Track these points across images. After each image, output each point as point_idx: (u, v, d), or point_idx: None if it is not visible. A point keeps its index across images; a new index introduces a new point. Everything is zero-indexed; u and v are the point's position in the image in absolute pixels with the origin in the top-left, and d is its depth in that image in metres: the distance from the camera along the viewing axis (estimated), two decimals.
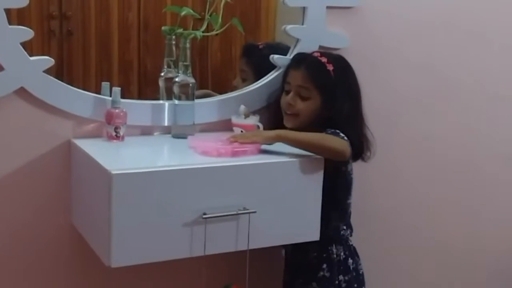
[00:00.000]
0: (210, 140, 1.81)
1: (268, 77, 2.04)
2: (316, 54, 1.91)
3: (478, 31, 2.37)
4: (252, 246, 1.71)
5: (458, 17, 2.33)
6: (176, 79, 1.88)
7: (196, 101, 1.91)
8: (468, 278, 2.56)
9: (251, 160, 1.74)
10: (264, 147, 1.80)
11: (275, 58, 2.03)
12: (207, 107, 1.97)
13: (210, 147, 1.75)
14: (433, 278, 2.50)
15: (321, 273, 1.91)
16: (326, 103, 1.86)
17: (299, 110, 1.87)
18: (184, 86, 1.87)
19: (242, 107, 1.93)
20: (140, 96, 2.03)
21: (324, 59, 1.88)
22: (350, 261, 1.94)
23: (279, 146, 1.88)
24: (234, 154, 1.75)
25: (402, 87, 2.01)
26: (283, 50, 2.06)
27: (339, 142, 1.78)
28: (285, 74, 1.94)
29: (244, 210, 1.68)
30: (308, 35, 2.05)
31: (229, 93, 2.02)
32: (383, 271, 2.34)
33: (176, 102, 1.88)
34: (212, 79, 2.18)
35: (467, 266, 2.55)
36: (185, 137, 1.87)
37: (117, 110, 1.80)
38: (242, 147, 1.76)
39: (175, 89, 1.87)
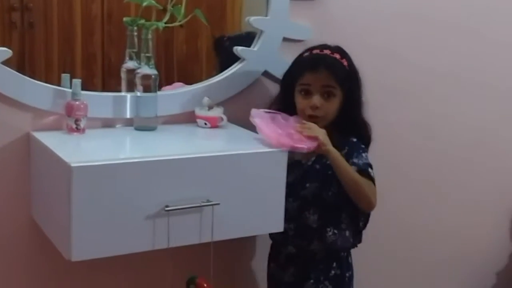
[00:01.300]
0: (276, 122, 1.81)
1: (231, 69, 2.03)
2: (327, 52, 1.89)
3: (441, 19, 2.39)
4: (216, 238, 1.70)
5: (421, 7, 2.34)
6: (138, 71, 1.85)
7: (159, 93, 1.89)
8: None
9: (214, 152, 1.73)
10: (228, 136, 1.79)
11: (239, 50, 2.02)
12: (170, 99, 1.95)
13: (274, 132, 1.76)
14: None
15: (333, 271, 1.91)
16: (346, 98, 1.87)
17: (326, 111, 1.86)
18: (146, 77, 1.84)
19: (206, 99, 1.92)
20: (104, 89, 2.00)
21: (337, 56, 1.88)
22: (350, 257, 1.97)
23: (244, 138, 1.88)
24: (293, 149, 1.75)
25: (365, 77, 2.00)
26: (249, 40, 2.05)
27: (374, 194, 1.82)
28: (297, 76, 1.90)
29: (208, 202, 1.67)
30: (272, 26, 2.04)
31: (192, 85, 2.01)
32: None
33: (138, 94, 1.86)
34: (177, 72, 2.16)
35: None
36: (148, 129, 1.86)
37: (77, 102, 1.77)
38: (300, 143, 1.75)
39: (137, 80, 1.85)
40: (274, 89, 2.09)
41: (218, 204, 1.68)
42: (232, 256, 2.07)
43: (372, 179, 1.83)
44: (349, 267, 1.96)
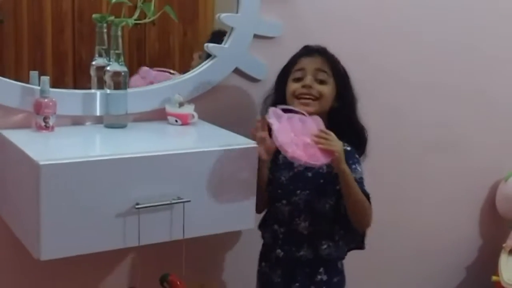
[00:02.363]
0: (293, 124, 1.73)
1: (202, 66, 2.03)
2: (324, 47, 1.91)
3: (407, 24, 2.41)
4: (187, 236, 1.70)
5: (389, 7, 2.37)
6: (108, 68, 1.84)
7: (129, 90, 1.88)
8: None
9: (185, 149, 1.72)
10: (199, 133, 1.79)
11: (209, 46, 2.02)
12: (140, 96, 1.94)
13: (289, 140, 1.69)
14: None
15: (319, 276, 1.88)
16: (339, 92, 1.86)
17: (320, 93, 1.83)
18: (116, 74, 1.83)
19: (177, 96, 1.92)
20: (76, 87, 1.98)
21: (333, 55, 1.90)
22: (339, 263, 1.94)
23: (214, 135, 1.88)
24: (306, 163, 1.69)
25: None
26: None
27: (371, 216, 1.80)
28: (293, 63, 1.89)
29: (179, 199, 1.67)
30: (242, 23, 2.04)
31: (163, 82, 2.00)
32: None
33: (108, 91, 1.84)
34: (150, 67, 2.15)
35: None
36: (118, 127, 1.85)
37: (46, 100, 1.75)
38: (316, 159, 1.68)
39: (107, 78, 1.84)
40: (244, 86, 2.10)
41: (189, 201, 1.68)
42: (204, 253, 2.07)
43: (368, 196, 1.81)
44: (338, 272, 1.92)
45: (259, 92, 2.10)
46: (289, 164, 1.84)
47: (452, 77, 2.57)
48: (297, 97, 1.84)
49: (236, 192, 1.78)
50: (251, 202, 1.81)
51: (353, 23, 2.30)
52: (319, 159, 1.69)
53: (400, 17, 2.40)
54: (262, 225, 1.94)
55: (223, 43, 2.05)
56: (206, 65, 2.03)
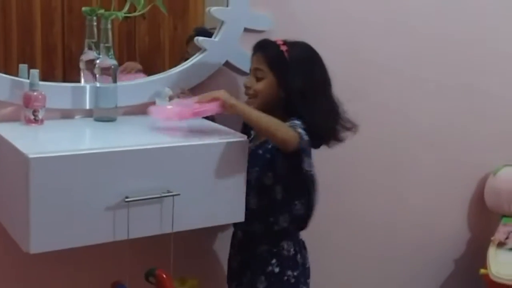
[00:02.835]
0: (173, 106, 1.82)
1: (192, 60, 2.03)
2: (274, 39, 1.92)
3: (399, 17, 2.42)
4: (176, 229, 1.70)
5: (381, 0, 2.37)
6: (98, 61, 1.84)
7: (119, 83, 1.88)
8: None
9: (174, 142, 1.73)
10: (189, 127, 1.78)
11: (199, 40, 2.02)
12: (130, 90, 1.94)
13: (171, 112, 1.76)
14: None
15: (270, 267, 1.90)
16: (280, 83, 1.88)
17: (256, 90, 1.90)
18: (105, 68, 1.83)
19: (166, 89, 1.92)
20: (66, 80, 1.98)
21: (279, 42, 1.90)
22: (299, 256, 1.94)
23: (205, 129, 1.88)
24: (195, 114, 1.76)
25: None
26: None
27: (286, 133, 1.76)
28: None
29: (168, 193, 1.67)
30: (232, 17, 2.04)
31: (153, 75, 2.00)
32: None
33: (98, 84, 1.84)
34: (140, 64, 2.14)
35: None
36: (107, 120, 1.85)
37: (35, 93, 1.75)
38: (201, 107, 1.76)
39: (97, 71, 1.83)
40: (235, 79, 2.10)
41: (178, 195, 1.68)
42: (192, 247, 2.07)
43: (295, 130, 1.79)
44: (295, 266, 1.93)
45: None
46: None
47: (442, 72, 2.58)
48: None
49: (226, 186, 1.78)
50: (241, 196, 1.81)
51: (344, 16, 2.31)
52: (206, 106, 1.76)
53: (391, 10, 2.40)
54: None
55: (213, 36, 2.04)
56: (196, 58, 2.03)
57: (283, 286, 1.91)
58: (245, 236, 1.96)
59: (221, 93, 1.78)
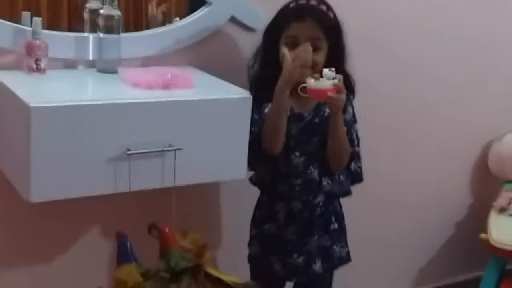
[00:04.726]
0: (142, 72, 1.77)
1: (197, 13, 1.99)
2: (314, 3, 1.84)
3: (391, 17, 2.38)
4: (178, 183, 1.70)
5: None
6: (101, 11, 1.81)
7: (122, 35, 1.85)
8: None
9: (178, 96, 1.71)
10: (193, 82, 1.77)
11: None
12: (134, 42, 1.91)
13: (141, 79, 1.71)
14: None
15: (332, 226, 1.95)
16: (331, 50, 1.84)
17: (315, 62, 1.81)
18: (109, 18, 1.80)
19: (329, 72, 1.75)
20: (71, 31, 1.95)
21: (324, 7, 1.85)
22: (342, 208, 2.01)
23: (208, 84, 1.86)
24: (165, 86, 1.72)
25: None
26: None
27: (348, 157, 1.87)
28: (282, 27, 1.84)
29: (170, 147, 1.67)
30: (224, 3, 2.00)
31: (157, 28, 1.97)
32: None
33: (101, 35, 1.82)
34: (146, 16, 2.11)
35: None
36: (111, 72, 1.82)
37: (37, 42, 1.73)
38: (173, 79, 1.73)
39: (100, 21, 1.81)
40: (240, 35, 2.07)
41: (180, 149, 1.68)
42: (194, 203, 2.07)
43: (352, 143, 1.88)
44: (343, 218, 2.00)
45: (255, 42, 2.06)
46: (298, 116, 1.86)
47: (455, 36, 2.54)
48: None
49: (228, 142, 1.77)
50: (243, 153, 1.80)
51: None
52: (179, 80, 1.75)
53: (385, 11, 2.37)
54: (269, 183, 1.92)
55: None
56: (201, 12, 1.99)
57: (342, 238, 1.99)
58: (304, 206, 1.90)
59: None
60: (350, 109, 1.90)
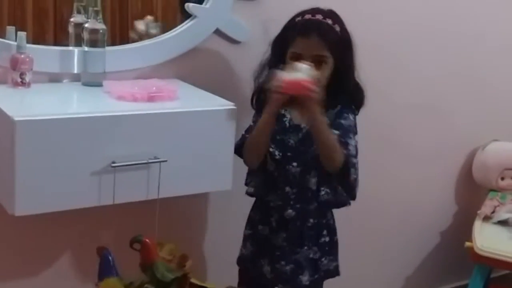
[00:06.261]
0: (127, 85, 1.78)
1: (182, 26, 2.00)
2: (319, 17, 1.82)
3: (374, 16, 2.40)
4: (162, 195, 1.71)
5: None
6: (86, 25, 1.82)
7: (107, 48, 1.86)
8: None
9: (163, 109, 1.72)
10: (178, 94, 1.79)
11: (190, 6, 2.00)
12: (119, 55, 1.92)
13: (126, 92, 1.73)
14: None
15: (323, 238, 1.94)
16: (337, 64, 1.82)
17: (318, 79, 1.77)
18: (93, 32, 1.81)
19: (304, 66, 1.74)
20: (57, 44, 1.95)
21: (330, 21, 1.82)
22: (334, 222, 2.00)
23: (193, 96, 1.88)
24: (150, 99, 1.73)
25: None
26: None
27: (340, 158, 1.80)
28: (288, 42, 1.82)
29: (155, 159, 1.68)
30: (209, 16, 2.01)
31: (143, 41, 1.98)
32: None
33: (86, 48, 1.83)
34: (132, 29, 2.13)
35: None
36: (95, 85, 1.83)
37: (22, 56, 1.74)
38: (158, 92, 1.74)
39: (85, 35, 1.82)
40: (225, 47, 2.08)
41: (165, 161, 1.69)
42: (178, 215, 2.08)
43: (346, 147, 1.83)
44: (335, 231, 2.00)
45: (240, 54, 2.09)
46: (296, 127, 1.87)
47: (439, 44, 2.57)
48: None
49: (213, 154, 1.79)
50: (229, 163, 1.81)
51: None
52: (163, 92, 1.76)
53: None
54: (263, 191, 1.92)
55: (204, 3, 2.02)
56: (186, 25, 2.01)
57: (332, 251, 1.98)
58: (298, 214, 1.91)
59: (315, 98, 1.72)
60: (350, 117, 1.87)
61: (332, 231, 1.99)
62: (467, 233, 2.50)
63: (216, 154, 1.79)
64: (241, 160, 1.89)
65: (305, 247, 1.92)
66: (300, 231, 1.91)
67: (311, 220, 1.92)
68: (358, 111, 1.93)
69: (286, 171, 1.88)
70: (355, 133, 1.89)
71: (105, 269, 1.65)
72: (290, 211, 1.90)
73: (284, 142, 1.87)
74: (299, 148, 1.87)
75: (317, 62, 1.78)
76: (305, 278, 1.92)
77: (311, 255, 1.93)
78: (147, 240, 1.64)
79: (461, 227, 2.69)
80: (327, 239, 1.95)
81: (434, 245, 2.80)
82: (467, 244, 2.45)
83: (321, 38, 1.79)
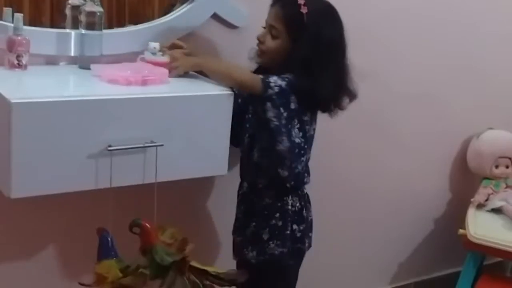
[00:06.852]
0: (117, 68, 1.77)
1: (179, 10, 2.00)
2: None
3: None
4: (160, 179, 1.71)
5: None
6: (83, 8, 1.81)
7: (105, 31, 1.85)
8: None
9: (160, 93, 1.72)
10: (174, 79, 1.79)
11: None
12: (116, 38, 1.91)
13: (119, 75, 1.71)
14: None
15: (274, 221, 1.91)
16: (293, 46, 1.81)
17: (267, 48, 1.84)
18: (90, 14, 1.80)
19: (153, 44, 1.85)
20: (53, 27, 1.94)
21: (301, 1, 1.79)
22: (304, 210, 1.95)
23: (189, 80, 1.87)
24: (144, 82, 1.73)
25: None
26: None
27: (248, 76, 1.79)
28: None
29: (151, 143, 1.68)
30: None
31: (140, 25, 1.97)
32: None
33: (83, 31, 1.82)
34: (129, 12, 2.11)
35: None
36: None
37: (19, 37, 1.72)
38: (152, 75, 1.74)
39: (82, 17, 1.81)
40: (222, 32, 2.08)
41: (161, 145, 1.69)
42: (176, 198, 2.08)
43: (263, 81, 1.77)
44: (301, 220, 1.93)
45: (237, 39, 2.08)
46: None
47: (434, 32, 2.57)
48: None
49: (210, 138, 1.79)
50: (225, 148, 1.82)
51: None
52: (157, 76, 1.77)
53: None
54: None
55: None
56: (184, 9, 2.00)
57: (285, 239, 1.91)
58: (250, 188, 1.95)
59: (180, 69, 1.82)
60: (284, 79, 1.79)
61: (292, 219, 1.91)
62: (461, 221, 2.51)
63: (212, 139, 1.80)
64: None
65: (254, 224, 1.92)
66: (253, 207, 1.94)
67: (266, 200, 1.91)
68: (324, 111, 1.90)
69: (242, 141, 1.95)
70: (283, 80, 1.79)
71: (104, 250, 1.66)
72: (244, 183, 1.98)
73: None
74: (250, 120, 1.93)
75: (271, 33, 1.83)
76: (250, 254, 1.93)
77: (260, 234, 1.91)
78: (146, 223, 1.65)
79: (455, 215, 2.71)
80: (280, 223, 1.90)
81: (427, 232, 2.82)
82: (461, 231, 2.47)
83: (280, 9, 1.83)
